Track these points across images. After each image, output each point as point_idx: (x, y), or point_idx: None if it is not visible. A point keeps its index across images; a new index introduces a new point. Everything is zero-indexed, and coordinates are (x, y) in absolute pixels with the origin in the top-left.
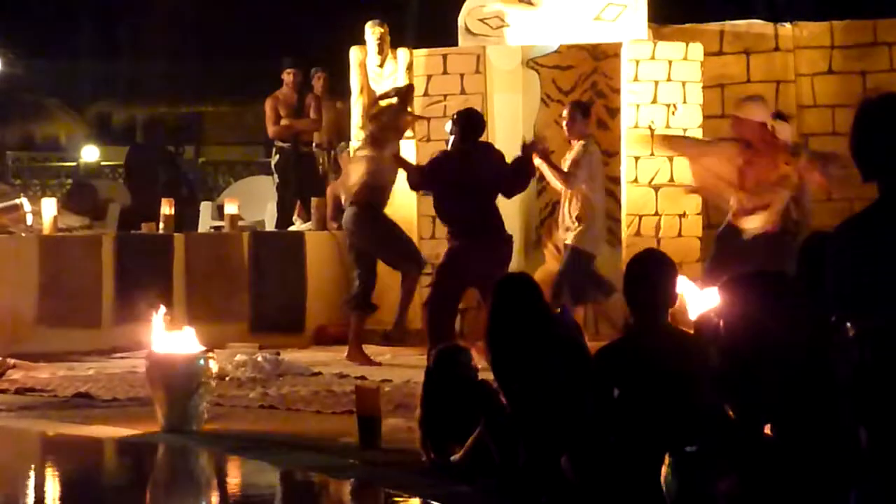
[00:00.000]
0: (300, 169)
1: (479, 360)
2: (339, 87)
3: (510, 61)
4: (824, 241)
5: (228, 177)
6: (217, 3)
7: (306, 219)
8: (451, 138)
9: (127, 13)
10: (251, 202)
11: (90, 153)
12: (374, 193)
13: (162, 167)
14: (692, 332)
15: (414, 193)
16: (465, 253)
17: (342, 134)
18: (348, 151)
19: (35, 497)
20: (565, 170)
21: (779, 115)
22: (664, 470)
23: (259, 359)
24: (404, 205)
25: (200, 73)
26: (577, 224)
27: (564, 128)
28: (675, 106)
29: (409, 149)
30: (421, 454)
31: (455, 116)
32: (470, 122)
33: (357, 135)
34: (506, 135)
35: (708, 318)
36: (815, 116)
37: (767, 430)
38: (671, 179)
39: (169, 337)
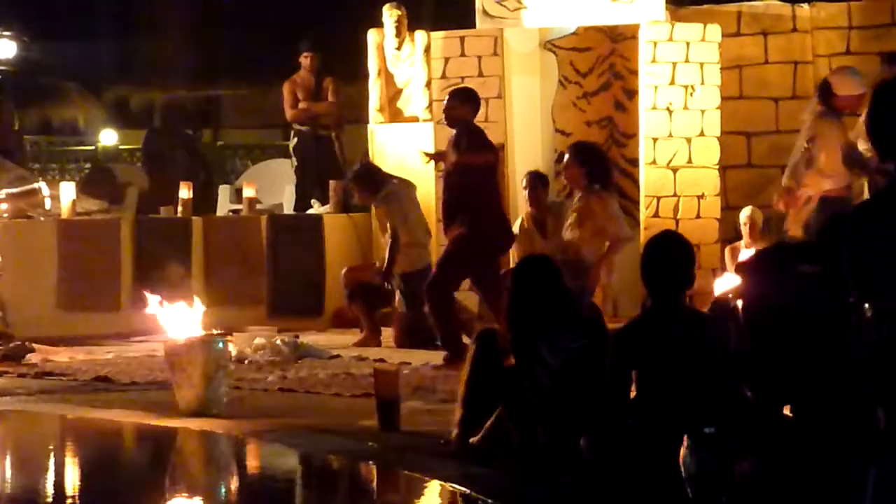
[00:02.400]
0: (318, 152)
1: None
2: (356, 70)
3: (528, 43)
4: (841, 223)
5: (246, 160)
6: None
7: (324, 202)
8: (457, 114)
9: None
10: (269, 185)
11: (108, 137)
12: None
13: (180, 151)
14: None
15: (431, 176)
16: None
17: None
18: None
19: (55, 481)
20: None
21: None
22: (682, 451)
23: (278, 342)
24: (422, 188)
25: (218, 57)
26: None
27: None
28: (692, 87)
29: (425, 131)
30: (441, 437)
31: (463, 93)
32: (478, 100)
33: (375, 117)
34: (523, 117)
35: (726, 299)
36: None
37: (786, 410)
38: (689, 161)
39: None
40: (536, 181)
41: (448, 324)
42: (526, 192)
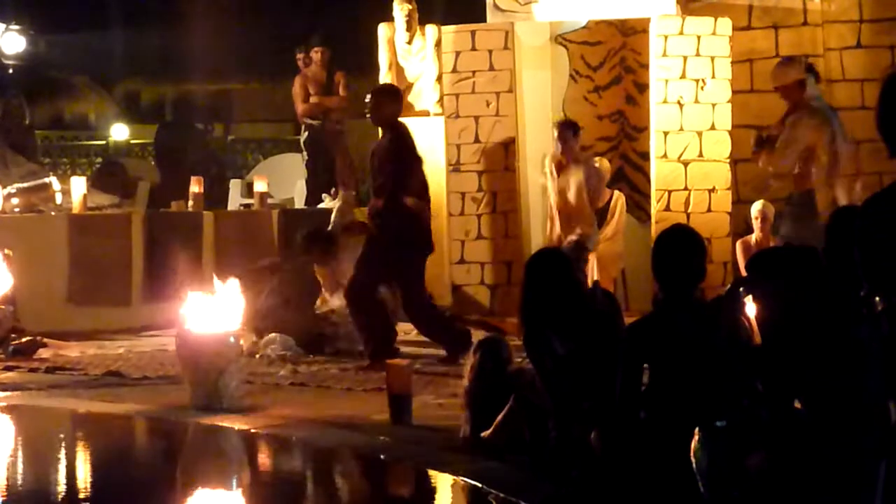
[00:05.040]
0: (329, 146)
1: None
2: (366, 65)
3: (539, 37)
4: (851, 216)
5: (258, 154)
6: None
7: (335, 196)
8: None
9: None
10: (280, 180)
11: (119, 131)
12: None
13: (191, 145)
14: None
15: (443, 170)
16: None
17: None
18: None
19: (66, 475)
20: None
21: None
22: (693, 444)
23: (289, 336)
24: (433, 181)
25: (230, 51)
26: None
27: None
28: (703, 81)
29: (436, 125)
30: (452, 431)
31: (385, 90)
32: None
33: None
34: (534, 112)
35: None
36: (844, 91)
37: (797, 404)
38: (700, 154)
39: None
40: (565, 129)
41: (442, 328)
42: (558, 143)
